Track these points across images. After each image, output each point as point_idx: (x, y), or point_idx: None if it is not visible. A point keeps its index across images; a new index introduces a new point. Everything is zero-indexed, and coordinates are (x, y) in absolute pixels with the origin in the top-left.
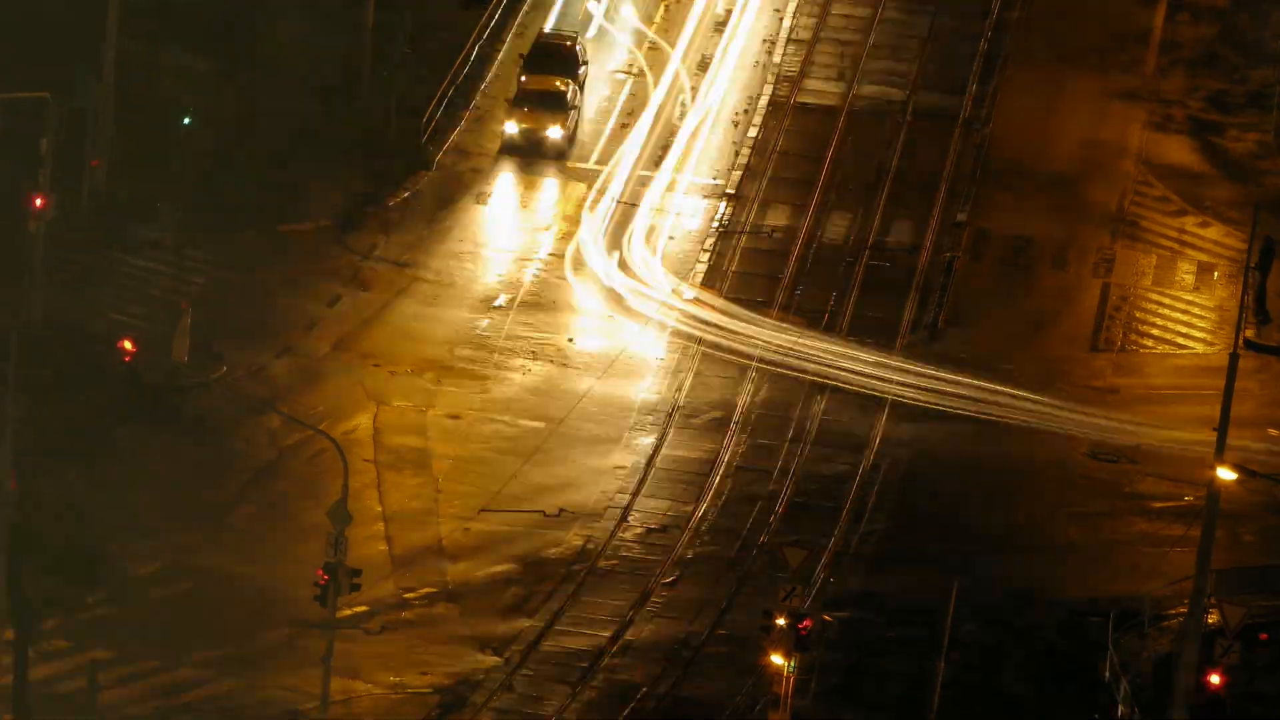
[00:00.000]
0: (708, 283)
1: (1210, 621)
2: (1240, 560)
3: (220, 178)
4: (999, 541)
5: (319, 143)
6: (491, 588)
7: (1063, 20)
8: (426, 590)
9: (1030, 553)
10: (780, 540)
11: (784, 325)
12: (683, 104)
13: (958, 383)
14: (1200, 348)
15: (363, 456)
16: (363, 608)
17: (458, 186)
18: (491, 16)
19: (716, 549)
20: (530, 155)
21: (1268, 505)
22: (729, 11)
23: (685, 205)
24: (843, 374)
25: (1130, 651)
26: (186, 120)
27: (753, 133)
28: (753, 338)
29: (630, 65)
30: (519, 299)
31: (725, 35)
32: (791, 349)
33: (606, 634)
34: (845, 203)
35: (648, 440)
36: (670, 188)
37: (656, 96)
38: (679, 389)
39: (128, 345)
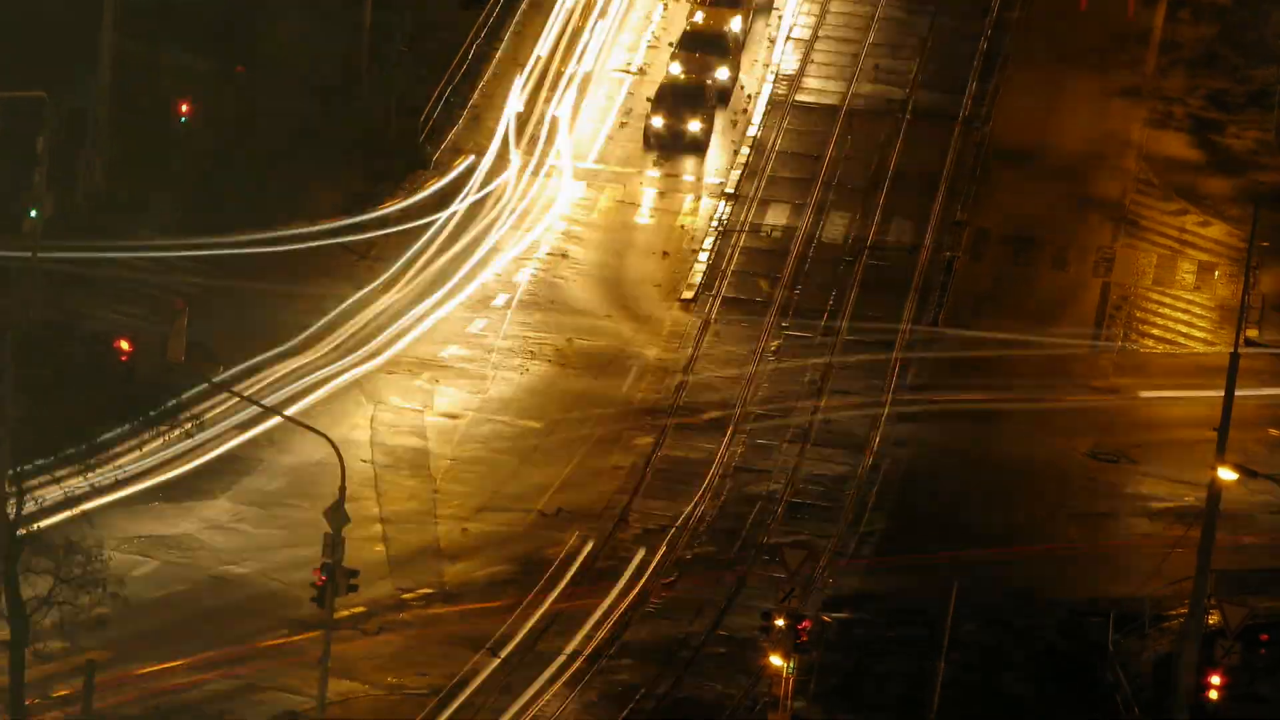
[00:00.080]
0: (705, 283)
1: (1211, 622)
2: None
3: (219, 177)
4: (999, 542)
5: (318, 142)
6: (489, 588)
7: (1063, 20)
8: (424, 591)
9: (1030, 553)
10: (779, 541)
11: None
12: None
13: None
14: (1201, 347)
15: (360, 457)
16: (360, 608)
17: (455, 185)
18: (489, 16)
19: (715, 549)
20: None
21: (1269, 505)
22: None
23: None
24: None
25: (1130, 652)
26: (184, 119)
27: (752, 131)
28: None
29: (628, 64)
30: (517, 298)
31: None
32: None
33: (605, 634)
34: (844, 202)
35: (646, 440)
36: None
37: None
38: (678, 388)
39: (124, 345)
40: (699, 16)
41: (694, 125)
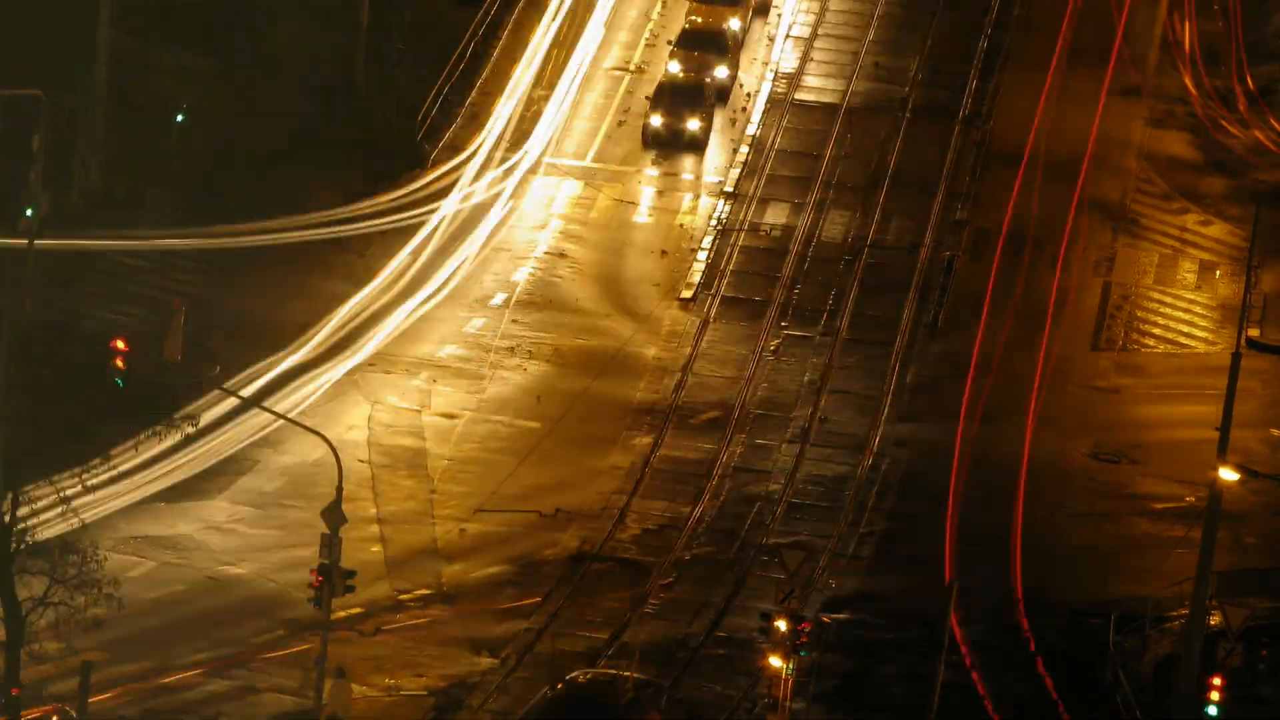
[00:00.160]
0: (704, 283)
1: (1212, 623)
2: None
3: (216, 176)
4: (999, 543)
5: (317, 142)
6: (487, 589)
7: (1064, 18)
8: (421, 592)
9: (1031, 554)
10: (779, 541)
11: None
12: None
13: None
14: (1202, 347)
15: (357, 457)
16: (357, 609)
17: (453, 184)
18: (487, 13)
19: (714, 550)
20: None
21: (1270, 506)
22: None
23: None
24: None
25: (1131, 653)
26: (180, 118)
27: (751, 130)
28: None
29: (627, 62)
30: (515, 298)
31: None
32: None
33: (603, 636)
34: (844, 201)
35: (645, 440)
36: None
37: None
38: (676, 388)
39: (120, 344)
40: (697, 15)
41: (693, 124)
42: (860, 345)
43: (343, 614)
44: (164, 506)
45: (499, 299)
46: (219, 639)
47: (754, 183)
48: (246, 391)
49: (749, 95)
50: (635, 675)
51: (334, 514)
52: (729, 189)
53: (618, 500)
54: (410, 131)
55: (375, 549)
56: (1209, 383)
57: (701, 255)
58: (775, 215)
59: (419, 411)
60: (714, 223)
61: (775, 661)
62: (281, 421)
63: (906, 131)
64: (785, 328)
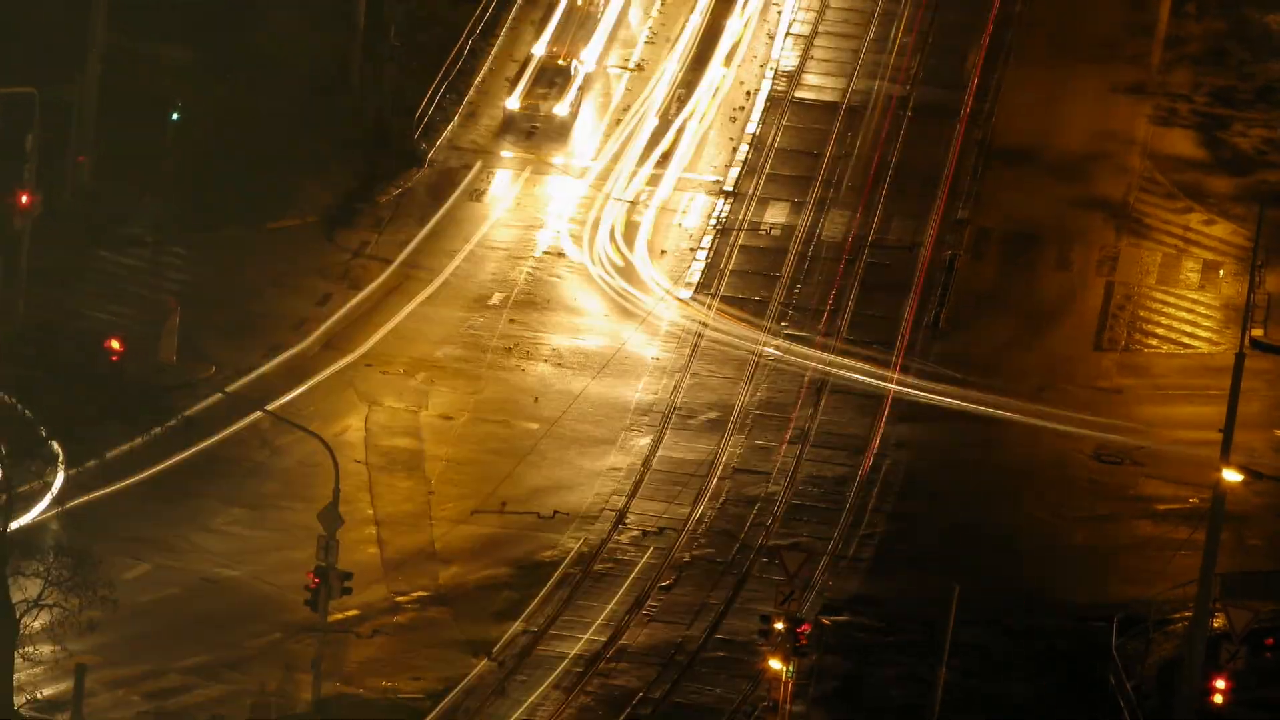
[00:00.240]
0: (704, 282)
1: (1216, 626)
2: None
3: (210, 174)
4: (1001, 544)
5: (311, 139)
6: (485, 591)
7: (1066, 14)
8: (419, 594)
9: (1033, 556)
10: (778, 543)
11: None
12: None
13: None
14: (1206, 347)
15: (354, 458)
16: (354, 612)
17: (450, 183)
18: (485, 11)
19: (714, 552)
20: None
21: (1274, 508)
22: None
23: None
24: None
25: (1134, 656)
26: (175, 116)
27: (751, 128)
28: None
29: (625, 60)
30: (513, 297)
31: None
32: None
33: (602, 638)
34: (844, 200)
35: (643, 441)
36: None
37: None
38: (675, 389)
39: (115, 345)
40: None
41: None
42: (861, 344)
43: (339, 616)
44: (159, 508)
45: (497, 298)
46: (215, 641)
47: (754, 181)
48: (242, 393)
49: (749, 93)
50: None
51: (330, 516)
52: (728, 188)
53: (616, 502)
54: (406, 129)
55: (372, 551)
56: (1212, 383)
57: (701, 255)
58: (775, 214)
59: (416, 412)
60: (713, 222)
61: (775, 664)
62: (277, 423)
63: (908, 129)
64: (786, 327)
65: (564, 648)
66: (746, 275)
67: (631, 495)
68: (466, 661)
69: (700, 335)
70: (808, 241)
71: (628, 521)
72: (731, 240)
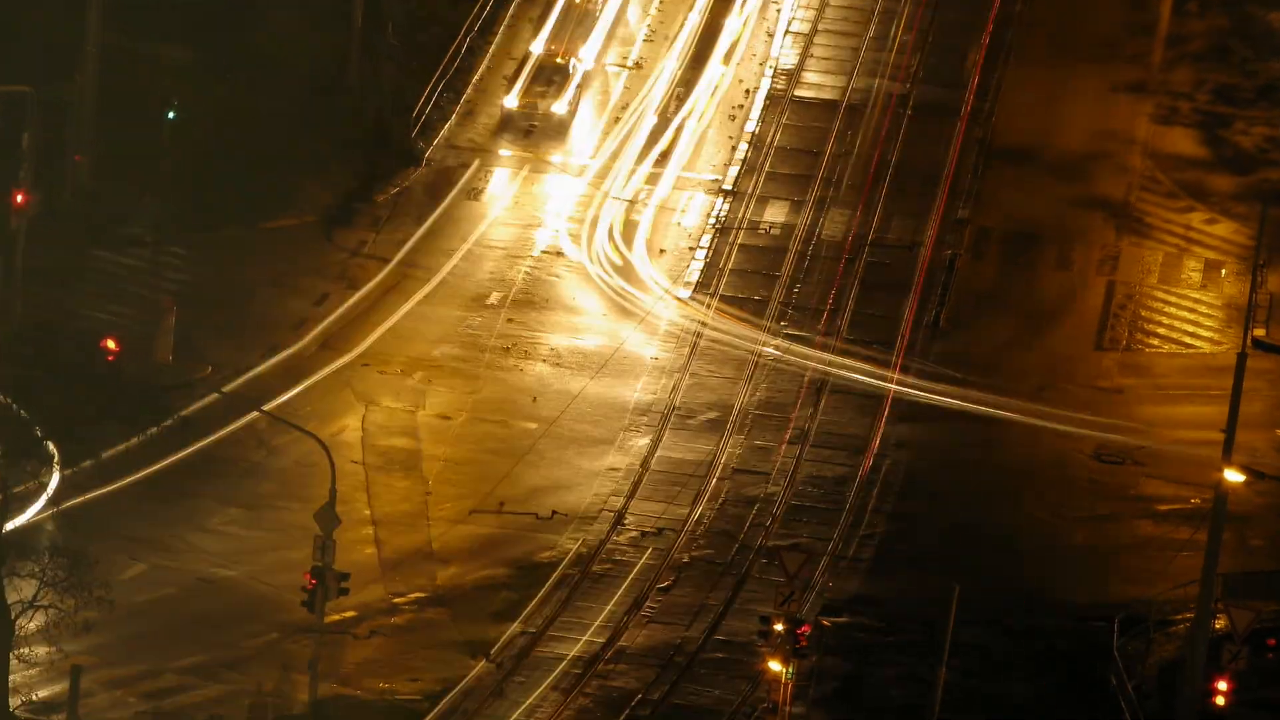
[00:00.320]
0: (703, 281)
1: (1218, 626)
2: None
3: (209, 174)
4: (1001, 544)
5: (310, 138)
6: (483, 592)
7: (1067, 13)
8: (416, 594)
9: (1033, 556)
10: (778, 544)
11: None
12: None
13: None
14: (1207, 347)
15: (351, 458)
16: (351, 612)
17: (448, 182)
18: (484, 9)
19: (713, 553)
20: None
21: (1276, 508)
22: None
23: None
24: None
25: (1135, 656)
26: (171, 115)
27: (750, 127)
28: None
29: (624, 58)
30: (511, 297)
31: None
32: None
33: (601, 639)
34: (844, 199)
35: (642, 441)
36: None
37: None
38: (674, 388)
39: (111, 344)
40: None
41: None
42: (861, 343)
43: (337, 617)
44: (155, 508)
45: (495, 298)
46: (211, 642)
47: (753, 180)
48: (239, 392)
49: (748, 92)
50: None
51: (327, 516)
52: (728, 187)
53: (615, 502)
54: (404, 128)
55: (369, 551)
56: (1214, 383)
57: (700, 254)
58: (775, 213)
59: (413, 412)
60: (713, 221)
61: (775, 665)
62: (274, 422)
63: (908, 128)
64: (785, 327)
65: (562, 649)
66: (746, 274)
67: (630, 496)
68: (464, 662)
69: (699, 335)
70: (807, 240)
71: (626, 522)
72: (731, 239)
